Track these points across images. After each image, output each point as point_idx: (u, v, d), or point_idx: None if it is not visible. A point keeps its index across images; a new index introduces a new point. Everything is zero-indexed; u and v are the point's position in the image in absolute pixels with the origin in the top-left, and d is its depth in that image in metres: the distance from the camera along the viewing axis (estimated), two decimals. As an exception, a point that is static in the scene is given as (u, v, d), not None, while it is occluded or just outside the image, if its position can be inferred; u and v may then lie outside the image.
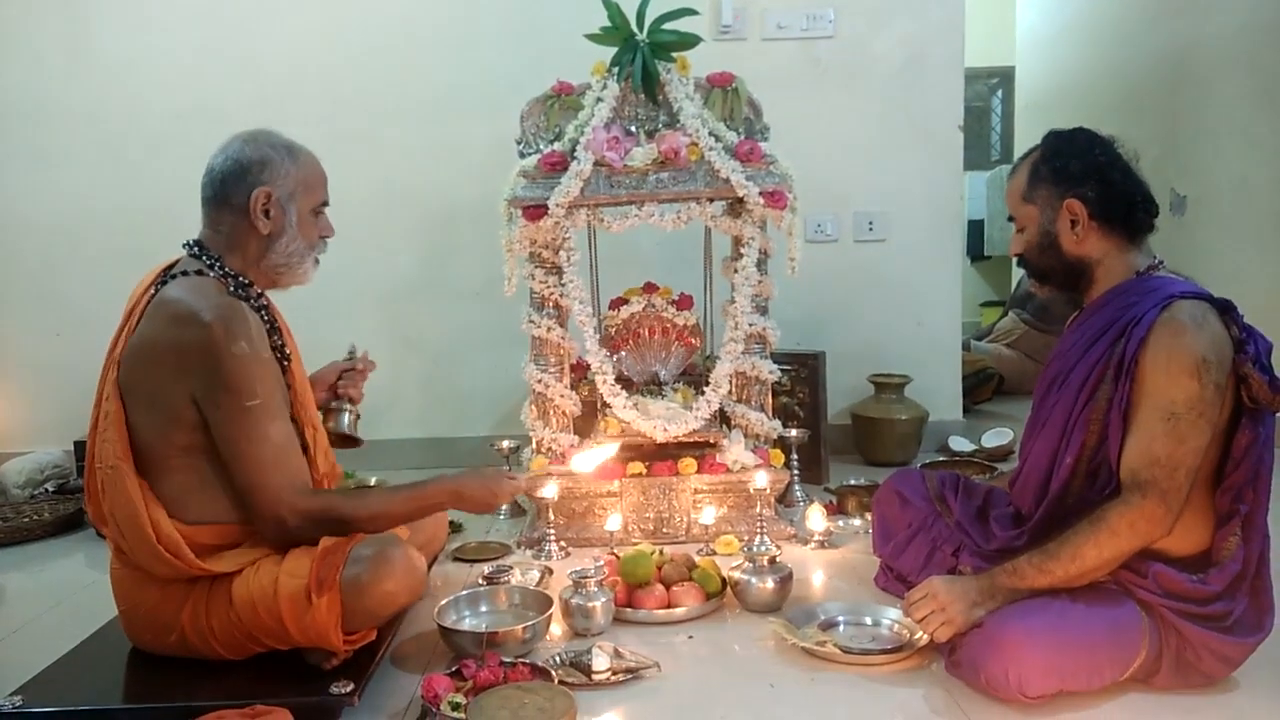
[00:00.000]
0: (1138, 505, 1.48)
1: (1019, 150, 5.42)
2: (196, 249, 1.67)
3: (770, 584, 1.95)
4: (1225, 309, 1.54)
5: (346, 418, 1.96)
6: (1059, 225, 1.66)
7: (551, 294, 2.40)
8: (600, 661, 1.64)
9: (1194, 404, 1.47)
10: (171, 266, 1.67)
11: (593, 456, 2.12)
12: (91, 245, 3.29)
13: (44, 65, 3.26)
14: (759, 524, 2.14)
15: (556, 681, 1.60)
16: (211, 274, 1.64)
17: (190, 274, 1.62)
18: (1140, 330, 1.52)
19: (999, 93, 6.65)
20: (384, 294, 3.36)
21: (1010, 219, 1.76)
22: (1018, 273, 5.21)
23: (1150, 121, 3.94)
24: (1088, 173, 1.63)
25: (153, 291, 1.62)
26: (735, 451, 2.39)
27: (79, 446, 3.06)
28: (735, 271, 2.40)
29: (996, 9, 5.49)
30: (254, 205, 1.65)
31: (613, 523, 2.27)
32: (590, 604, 1.84)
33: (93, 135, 3.28)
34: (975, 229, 6.12)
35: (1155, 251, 1.69)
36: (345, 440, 1.98)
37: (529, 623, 1.77)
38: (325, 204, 1.77)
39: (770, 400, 2.50)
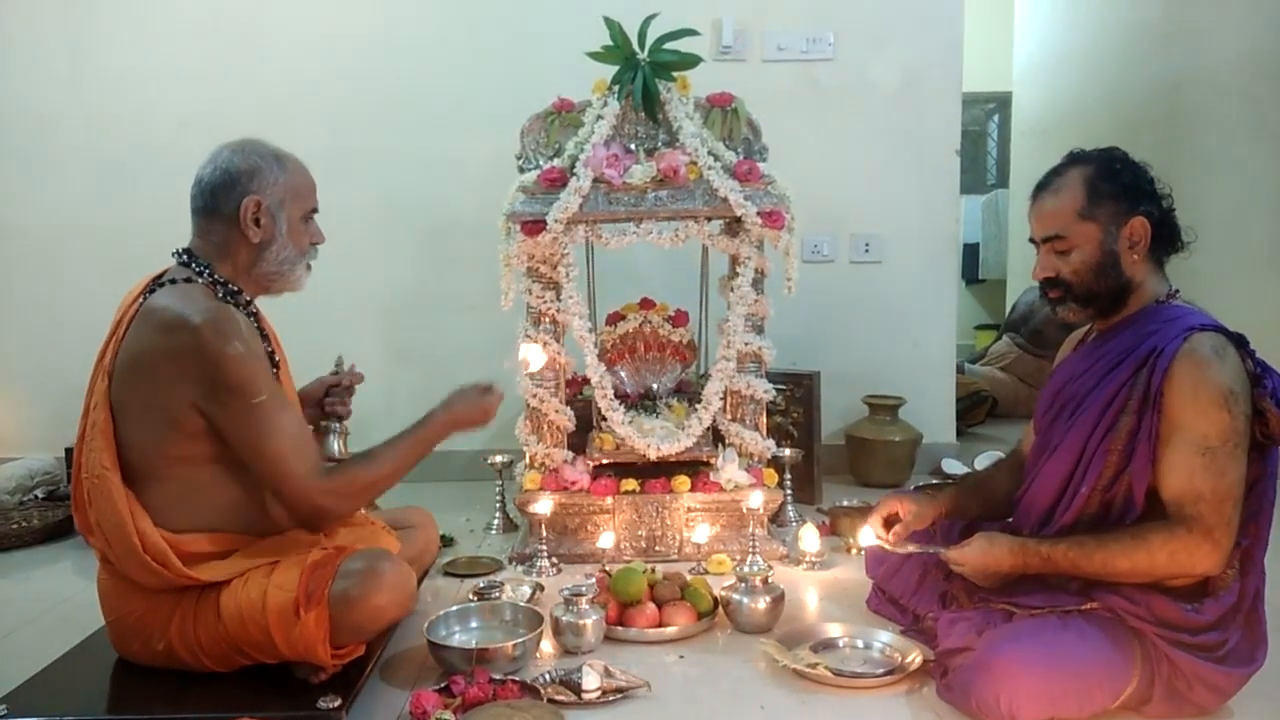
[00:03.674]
0: (1182, 537, 1.48)
1: (1015, 175, 5.53)
2: (186, 257, 1.67)
3: (762, 604, 1.94)
4: (1240, 343, 1.54)
5: (334, 441, 1.92)
6: (1121, 244, 1.61)
7: (548, 309, 2.40)
8: (590, 680, 1.63)
9: (1228, 436, 1.47)
10: (161, 276, 1.67)
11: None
12: (88, 254, 3.28)
13: (45, 75, 3.26)
14: (751, 543, 2.14)
15: (546, 699, 1.59)
16: (200, 280, 1.63)
17: (179, 282, 1.62)
18: (1163, 362, 1.52)
19: (996, 118, 6.70)
20: (381, 306, 3.35)
21: (1045, 240, 1.66)
22: (1012, 297, 5.23)
23: (1146, 150, 3.86)
24: (1151, 191, 1.61)
25: (141, 300, 1.62)
26: (729, 470, 2.39)
27: (70, 454, 3.04)
28: (731, 290, 2.41)
29: (995, 35, 5.54)
30: (244, 214, 1.65)
31: (605, 540, 2.26)
32: (581, 621, 1.83)
33: (92, 144, 3.28)
34: (970, 252, 6.15)
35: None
36: (335, 460, 1.97)
37: (519, 640, 1.76)
38: (315, 211, 1.77)
39: (764, 419, 2.50)
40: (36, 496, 3.02)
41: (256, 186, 1.66)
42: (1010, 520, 1.83)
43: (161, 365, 1.55)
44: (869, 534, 1.89)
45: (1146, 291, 1.65)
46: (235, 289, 1.67)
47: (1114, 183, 1.61)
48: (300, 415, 1.70)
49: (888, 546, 1.84)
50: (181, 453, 1.59)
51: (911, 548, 1.81)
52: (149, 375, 1.56)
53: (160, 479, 1.59)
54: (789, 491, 2.68)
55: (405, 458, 1.73)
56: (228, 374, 1.53)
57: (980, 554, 1.65)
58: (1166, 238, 1.64)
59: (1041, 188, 1.69)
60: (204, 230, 1.69)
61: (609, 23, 2.36)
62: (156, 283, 1.63)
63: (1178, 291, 1.66)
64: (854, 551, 2.44)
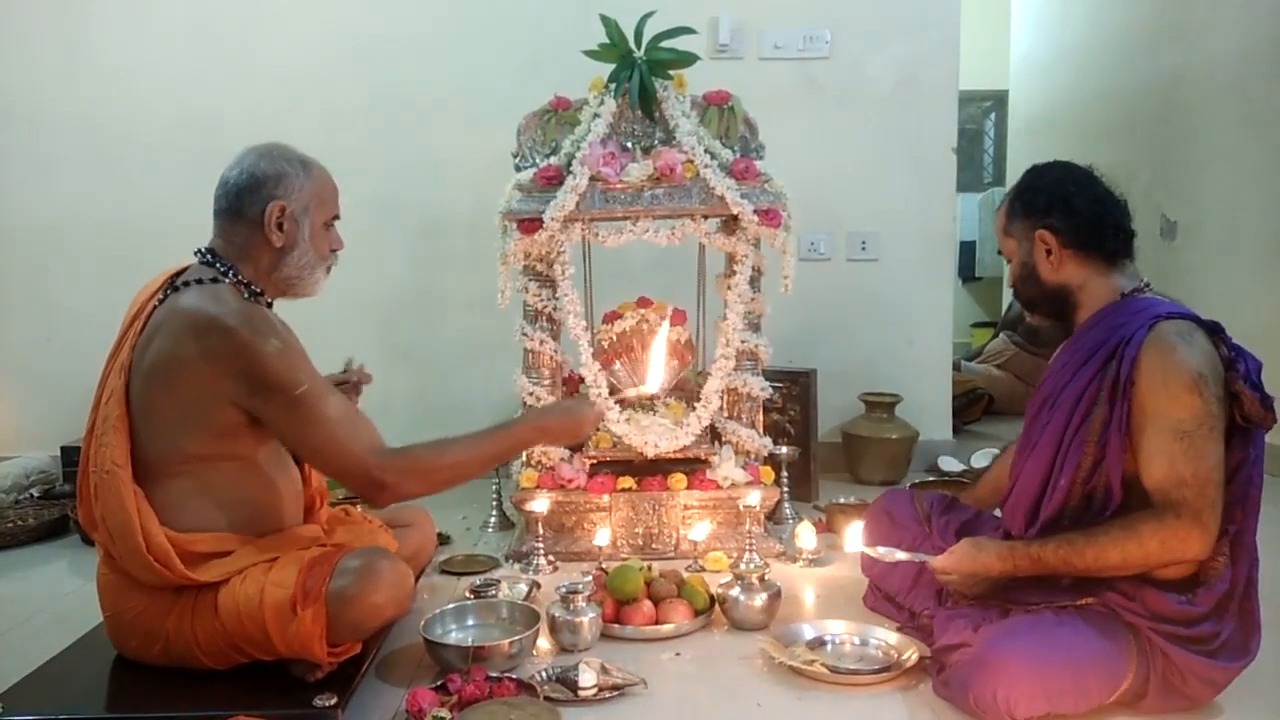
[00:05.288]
0: (1171, 524, 1.49)
1: (1011, 173, 5.54)
2: (209, 256, 1.67)
3: (759, 601, 1.94)
4: (1213, 330, 1.55)
5: None
6: (1035, 256, 1.71)
7: (544, 307, 2.41)
8: (586, 678, 1.63)
9: (1202, 419, 1.48)
10: (180, 274, 1.66)
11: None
12: (83, 251, 3.28)
13: (40, 71, 3.25)
14: (748, 541, 2.14)
15: (542, 697, 1.59)
16: (226, 281, 1.63)
17: (205, 282, 1.61)
18: (1131, 350, 1.53)
19: (992, 115, 6.71)
20: (378, 304, 3.35)
21: (999, 251, 1.82)
22: (1008, 294, 5.23)
23: (1141, 147, 3.97)
24: (1053, 204, 1.68)
25: (160, 298, 1.62)
26: (726, 468, 2.39)
27: (66, 452, 3.04)
28: (728, 288, 2.41)
29: (991, 33, 5.54)
30: (268, 218, 1.65)
31: (601, 537, 2.26)
32: (577, 619, 1.84)
33: (87, 142, 3.27)
34: (967, 250, 6.15)
35: (1145, 276, 1.70)
36: None
37: (515, 637, 1.76)
38: (337, 217, 1.78)
39: (761, 417, 2.51)
40: (32, 495, 3.02)
41: (282, 191, 1.66)
42: (998, 515, 1.84)
43: (196, 367, 1.54)
44: (854, 540, 1.90)
45: (1098, 290, 1.68)
46: (258, 290, 1.67)
47: (1023, 200, 1.73)
48: (346, 399, 1.69)
49: (872, 554, 1.85)
50: (203, 450, 1.59)
51: (899, 555, 1.81)
52: (182, 377, 1.55)
53: (173, 476, 1.59)
54: (786, 489, 2.69)
55: (480, 452, 1.71)
56: (269, 371, 1.53)
57: (969, 560, 1.66)
58: (1090, 242, 1.67)
59: (998, 206, 1.80)
60: (226, 232, 1.68)
61: (606, 21, 2.36)
62: (180, 281, 1.63)
63: (1148, 285, 1.68)
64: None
